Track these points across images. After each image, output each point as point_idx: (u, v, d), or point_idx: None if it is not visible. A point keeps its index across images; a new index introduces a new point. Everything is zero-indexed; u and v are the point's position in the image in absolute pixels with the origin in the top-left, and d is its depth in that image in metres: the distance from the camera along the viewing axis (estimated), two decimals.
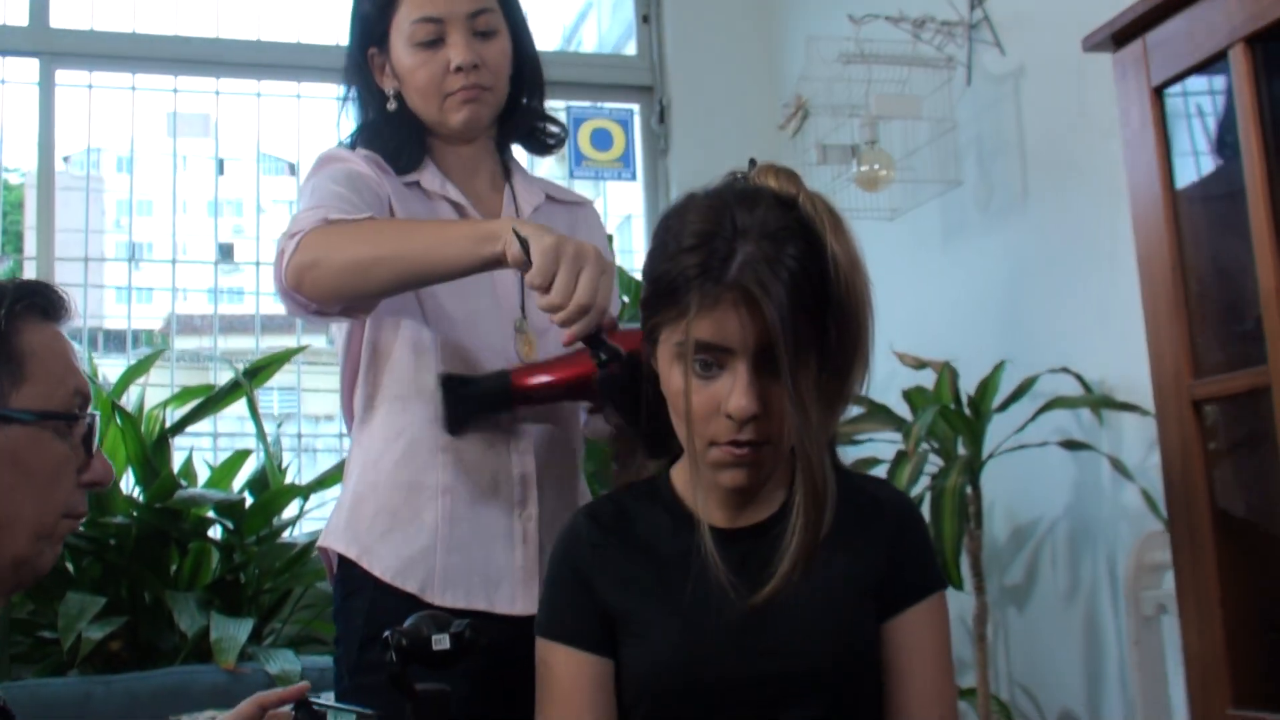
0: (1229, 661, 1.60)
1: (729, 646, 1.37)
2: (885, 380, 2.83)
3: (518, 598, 1.69)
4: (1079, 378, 2.52)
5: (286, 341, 3.89)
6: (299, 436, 3.92)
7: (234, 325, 4.28)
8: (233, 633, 3.00)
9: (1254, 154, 1.49)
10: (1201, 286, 1.67)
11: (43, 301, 1.31)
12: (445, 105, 1.76)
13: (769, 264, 1.28)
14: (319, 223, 1.56)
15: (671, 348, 1.35)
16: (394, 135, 1.79)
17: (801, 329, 1.29)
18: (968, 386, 2.66)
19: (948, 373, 2.57)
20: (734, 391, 1.29)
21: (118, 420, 3.34)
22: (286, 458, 3.62)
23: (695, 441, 1.34)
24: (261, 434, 3.47)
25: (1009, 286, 2.85)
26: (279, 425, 3.64)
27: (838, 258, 1.32)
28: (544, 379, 1.63)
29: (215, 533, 3.34)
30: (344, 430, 2.16)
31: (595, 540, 1.44)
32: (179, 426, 3.44)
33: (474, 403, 1.65)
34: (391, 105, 1.80)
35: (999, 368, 2.59)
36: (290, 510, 3.45)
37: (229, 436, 3.86)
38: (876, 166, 2.83)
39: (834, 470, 1.38)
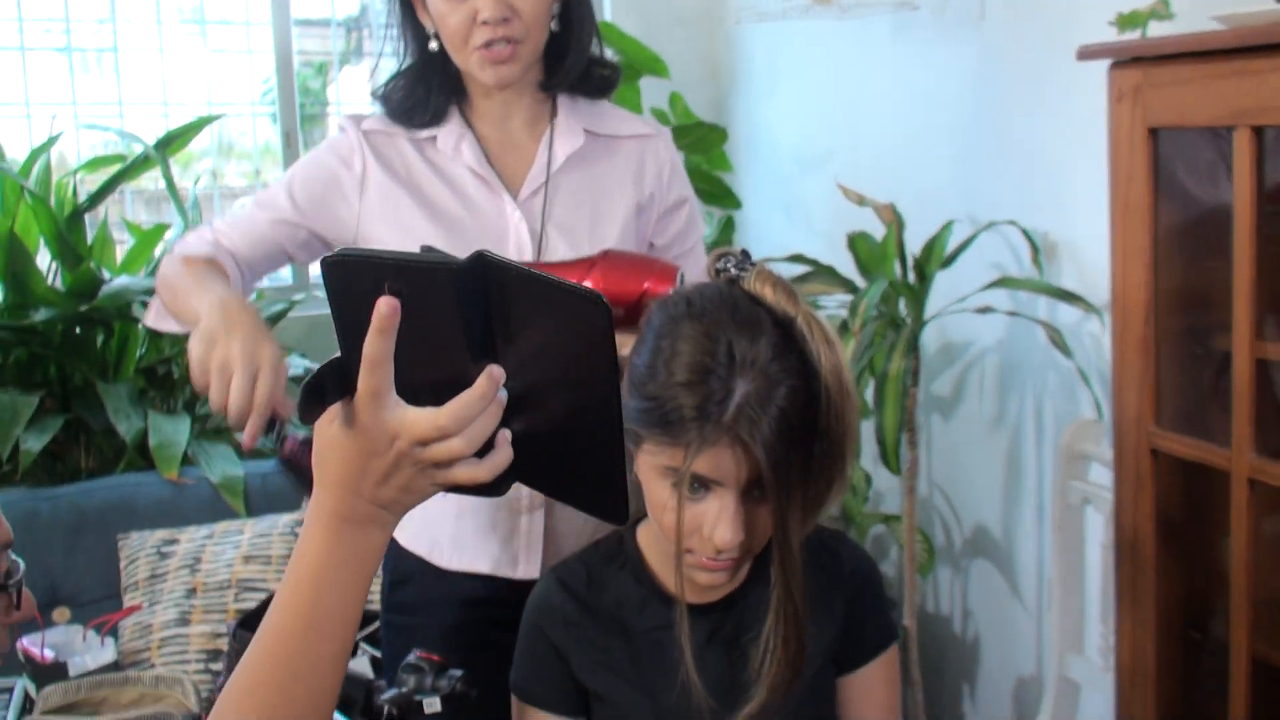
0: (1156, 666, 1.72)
1: (698, 716, 1.43)
2: (832, 216, 2.79)
3: (520, 562, 1.73)
4: (1026, 234, 2.49)
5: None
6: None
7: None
8: (172, 437, 3.02)
9: (1245, 241, 1.44)
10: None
11: None
12: (471, 60, 1.65)
13: (763, 405, 1.25)
14: (192, 244, 1.70)
15: (660, 466, 1.32)
16: (426, 84, 1.72)
17: (790, 461, 1.27)
18: (913, 224, 2.63)
19: (894, 228, 2.53)
20: (720, 522, 1.29)
21: (27, 199, 3.20)
22: None
23: (673, 542, 1.33)
24: (180, 206, 3.35)
25: (960, 109, 2.76)
26: (195, 197, 3.49)
27: (829, 388, 1.29)
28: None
29: (138, 311, 3.27)
30: None
31: (569, 616, 1.46)
32: (92, 202, 3.30)
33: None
34: (434, 45, 1.69)
35: (946, 228, 2.56)
36: None
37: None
38: None
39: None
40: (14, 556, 1.35)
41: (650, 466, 1.33)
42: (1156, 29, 1.87)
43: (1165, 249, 1.63)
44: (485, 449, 0.92)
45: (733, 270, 1.33)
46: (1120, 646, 1.76)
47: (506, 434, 0.93)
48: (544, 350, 0.90)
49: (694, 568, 1.34)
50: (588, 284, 1.49)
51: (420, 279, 0.86)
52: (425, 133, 1.73)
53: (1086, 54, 1.62)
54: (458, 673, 1.51)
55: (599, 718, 1.46)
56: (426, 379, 0.89)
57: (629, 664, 1.44)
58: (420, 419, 0.89)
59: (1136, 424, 1.65)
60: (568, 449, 0.94)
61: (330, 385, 0.91)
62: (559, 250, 1.70)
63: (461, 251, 1.60)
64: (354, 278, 0.87)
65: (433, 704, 1.49)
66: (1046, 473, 2.59)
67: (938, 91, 2.83)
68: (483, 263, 0.87)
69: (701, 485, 1.29)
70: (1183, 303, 1.66)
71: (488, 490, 0.94)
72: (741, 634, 1.41)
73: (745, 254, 1.35)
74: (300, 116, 3.70)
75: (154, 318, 1.74)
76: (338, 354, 0.91)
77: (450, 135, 1.72)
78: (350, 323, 0.87)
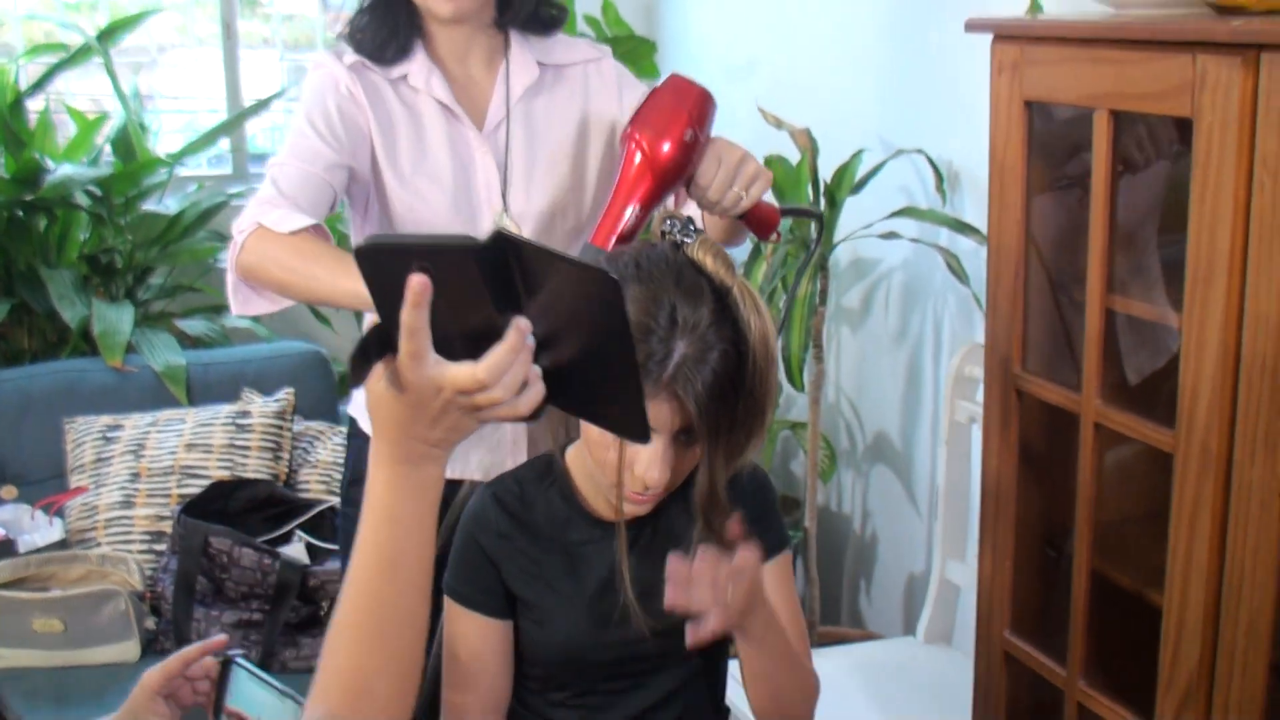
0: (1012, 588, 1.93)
1: (616, 631, 1.61)
2: (754, 130, 2.92)
3: (509, 466, 1.81)
4: (932, 163, 2.65)
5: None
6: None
7: None
8: (116, 324, 3.14)
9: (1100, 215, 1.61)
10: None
11: None
12: None
13: (698, 366, 1.40)
14: (254, 227, 1.64)
15: None
16: (387, 21, 1.79)
17: (719, 415, 1.44)
18: (828, 145, 2.77)
19: (809, 155, 2.67)
20: (652, 465, 1.44)
21: None
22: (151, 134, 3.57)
23: (605, 474, 1.50)
24: (121, 95, 3.41)
25: (879, 36, 2.89)
26: (136, 87, 3.55)
27: (756, 354, 1.45)
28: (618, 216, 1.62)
29: (81, 199, 3.35)
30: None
31: (501, 528, 1.60)
32: (34, 89, 3.36)
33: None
34: None
35: (856, 156, 2.70)
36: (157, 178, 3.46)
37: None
38: None
39: None
40: None
41: (589, 425, 1.49)
42: None
43: (1037, 209, 1.79)
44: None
45: (678, 236, 1.48)
46: (982, 560, 1.96)
47: (538, 371, 1.02)
48: (563, 307, 1.01)
49: (623, 499, 1.50)
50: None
51: (445, 258, 0.96)
52: (397, 70, 1.81)
53: (972, 26, 1.76)
54: None
55: (525, 621, 1.62)
56: (460, 332, 0.99)
57: (555, 573, 1.59)
58: (460, 373, 0.99)
59: (1004, 366, 1.83)
60: (591, 378, 1.05)
61: (374, 349, 1.02)
62: (520, 181, 1.82)
63: (439, 188, 1.71)
64: (385, 262, 0.98)
65: None
66: (942, 389, 2.78)
67: (859, 17, 2.95)
68: (501, 241, 0.97)
69: None
70: (1050, 258, 1.83)
71: (523, 419, 1.06)
72: (656, 546, 1.58)
73: (690, 220, 1.49)
74: None
75: (241, 304, 1.73)
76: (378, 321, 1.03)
77: (420, 70, 1.81)
78: (387, 297, 0.98)
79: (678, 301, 1.40)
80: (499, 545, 1.60)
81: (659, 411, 1.41)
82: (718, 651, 1.67)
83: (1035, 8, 1.88)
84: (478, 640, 1.60)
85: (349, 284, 1.56)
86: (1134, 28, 1.51)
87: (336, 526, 2.79)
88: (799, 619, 1.65)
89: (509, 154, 1.84)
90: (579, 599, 1.58)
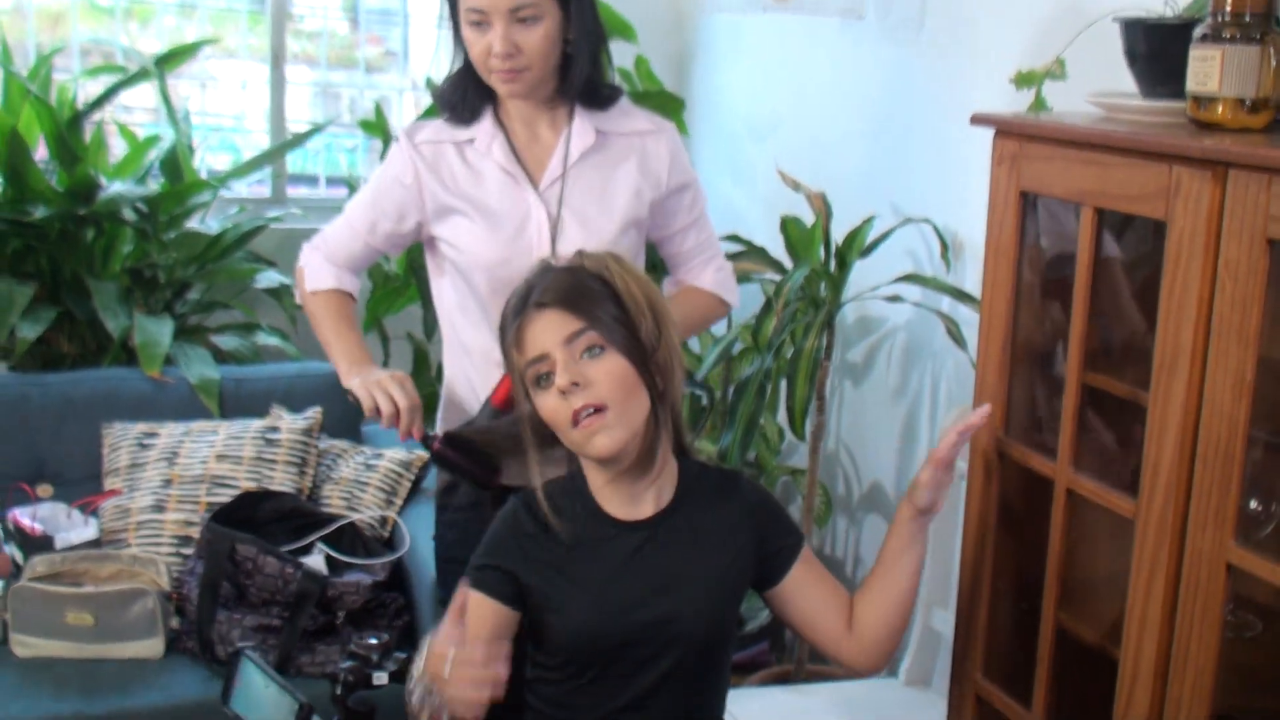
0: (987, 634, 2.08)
1: (621, 617, 1.78)
2: (771, 184, 3.08)
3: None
4: (938, 232, 2.81)
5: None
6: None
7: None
8: (156, 336, 3.30)
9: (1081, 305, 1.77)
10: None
11: None
12: (491, 78, 2.05)
13: (559, 281, 1.72)
14: (302, 267, 2.27)
15: (530, 379, 1.73)
16: (467, 86, 2.11)
17: (596, 309, 1.70)
18: (840, 207, 2.94)
19: (822, 217, 2.84)
20: (560, 378, 1.69)
21: (32, 100, 3.43)
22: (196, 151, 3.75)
23: (567, 435, 1.70)
24: (173, 117, 3.59)
25: (894, 108, 3.06)
26: (187, 110, 3.73)
27: (622, 276, 1.73)
28: (506, 387, 1.99)
29: (128, 215, 3.52)
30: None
31: (527, 529, 1.80)
32: (92, 108, 3.53)
33: (478, 442, 2.01)
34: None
35: (868, 222, 2.87)
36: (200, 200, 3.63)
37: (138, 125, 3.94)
38: None
39: (693, 466, 1.87)
40: None
41: (534, 398, 1.74)
42: (1051, 88, 2.18)
43: (1026, 289, 1.96)
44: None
45: None
46: (960, 612, 2.12)
47: None
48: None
49: (585, 440, 1.72)
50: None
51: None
52: (466, 133, 2.12)
53: (977, 121, 1.93)
54: (402, 655, 1.84)
55: (545, 613, 1.79)
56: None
57: (574, 567, 1.79)
58: None
59: (989, 431, 1.99)
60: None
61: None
62: (571, 230, 2.09)
63: (495, 236, 2.12)
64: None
65: (380, 678, 1.83)
66: (935, 443, 2.93)
67: (875, 89, 3.13)
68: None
69: (544, 371, 1.71)
70: (1035, 334, 1.99)
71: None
72: (664, 547, 1.80)
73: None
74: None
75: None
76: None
77: (485, 135, 2.12)
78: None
79: (536, 278, 1.77)
80: (524, 544, 1.79)
81: (540, 330, 1.70)
82: (717, 638, 1.85)
83: (1039, 105, 2.05)
84: (482, 621, 1.75)
85: (333, 354, 2.19)
86: (1119, 136, 1.67)
87: (355, 540, 2.95)
88: (839, 590, 1.94)
89: (561, 207, 2.10)
90: (594, 588, 1.77)
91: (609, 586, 1.78)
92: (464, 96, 2.11)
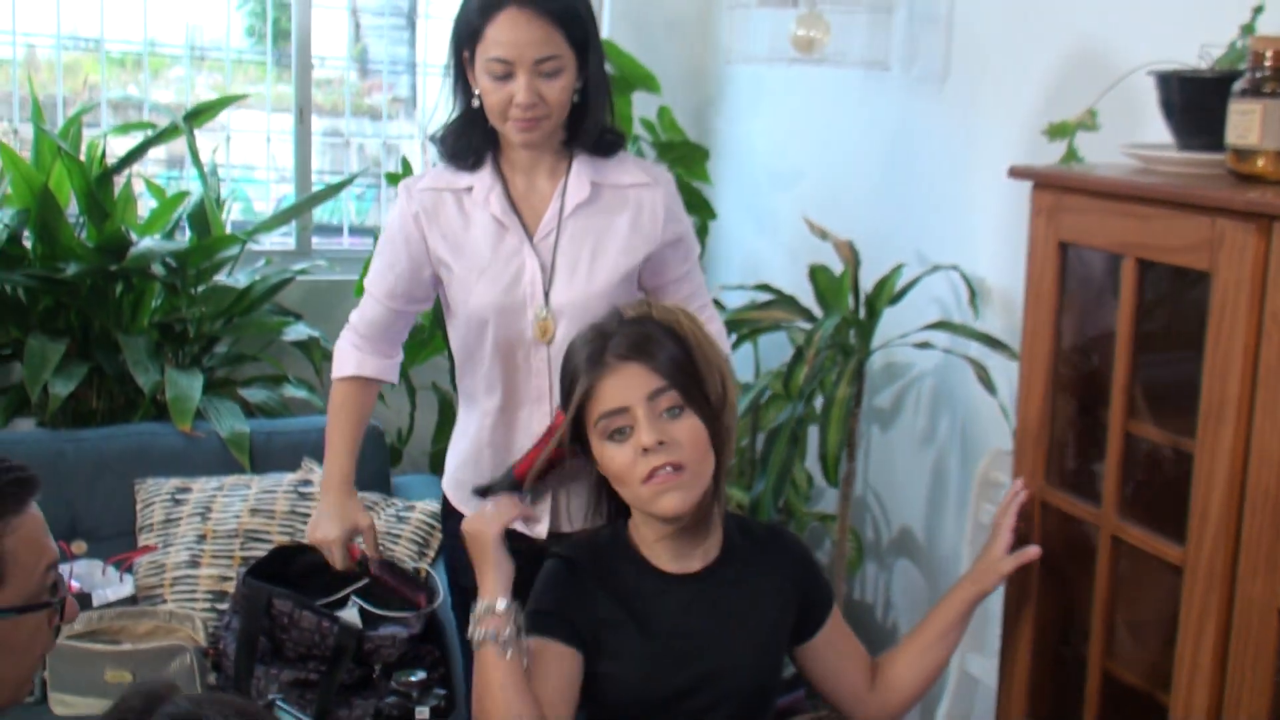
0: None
1: (679, 669, 1.80)
2: (796, 233, 3.11)
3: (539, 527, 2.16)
4: (965, 279, 2.84)
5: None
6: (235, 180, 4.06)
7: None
8: (187, 391, 3.33)
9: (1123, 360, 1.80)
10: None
11: (14, 490, 1.43)
12: (507, 126, 2.06)
13: (636, 336, 1.75)
14: (338, 349, 2.31)
15: (601, 432, 1.75)
16: (470, 134, 2.13)
17: (680, 368, 1.74)
18: (867, 254, 2.97)
19: (851, 266, 2.87)
20: (643, 433, 1.71)
21: (63, 157, 3.47)
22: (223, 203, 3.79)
23: (634, 490, 1.70)
24: (202, 173, 3.63)
25: (919, 157, 3.09)
26: (214, 164, 3.77)
27: (695, 335, 1.78)
28: (531, 461, 2.02)
29: (157, 270, 3.56)
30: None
31: (577, 588, 1.81)
32: (122, 165, 3.57)
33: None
34: (476, 103, 2.09)
35: (897, 270, 2.90)
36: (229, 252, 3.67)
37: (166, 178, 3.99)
38: (813, 33, 2.97)
39: (734, 520, 1.90)
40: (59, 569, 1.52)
41: (601, 449, 1.75)
42: (1084, 139, 2.20)
43: (1067, 339, 1.98)
44: None
45: None
46: (1004, 656, 2.13)
47: None
48: None
49: (654, 497, 1.72)
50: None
51: None
52: (464, 181, 2.13)
53: (1015, 173, 1.95)
54: (442, 692, 1.86)
55: (603, 663, 1.80)
56: None
57: (630, 619, 1.81)
58: None
59: (1031, 479, 2.01)
60: None
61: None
62: (563, 281, 2.10)
63: (490, 286, 2.13)
64: None
65: (422, 713, 1.85)
66: (966, 488, 2.95)
67: (899, 139, 3.16)
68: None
69: (620, 425, 1.72)
70: (1076, 383, 2.01)
71: None
72: (713, 600, 1.82)
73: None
74: (274, 32, 4.03)
75: None
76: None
77: (483, 186, 2.12)
78: None
79: (607, 325, 1.81)
80: (574, 598, 1.80)
81: (619, 383, 1.72)
82: (767, 688, 1.86)
83: (1071, 155, 2.08)
84: (544, 664, 1.75)
85: (326, 459, 2.30)
86: (1162, 189, 1.70)
87: (389, 593, 2.96)
88: (860, 646, 1.98)
89: (555, 257, 2.11)
90: (648, 642, 1.79)
91: (663, 641, 1.79)
92: (468, 143, 2.12)
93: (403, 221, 2.14)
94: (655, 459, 1.70)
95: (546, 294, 2.11)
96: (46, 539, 1.47)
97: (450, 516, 2.31)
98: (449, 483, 2.30)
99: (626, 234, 2.14)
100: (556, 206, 2.13)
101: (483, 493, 2.07)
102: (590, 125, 2.12)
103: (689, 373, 1.73)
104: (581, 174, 2.14)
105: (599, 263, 2.13)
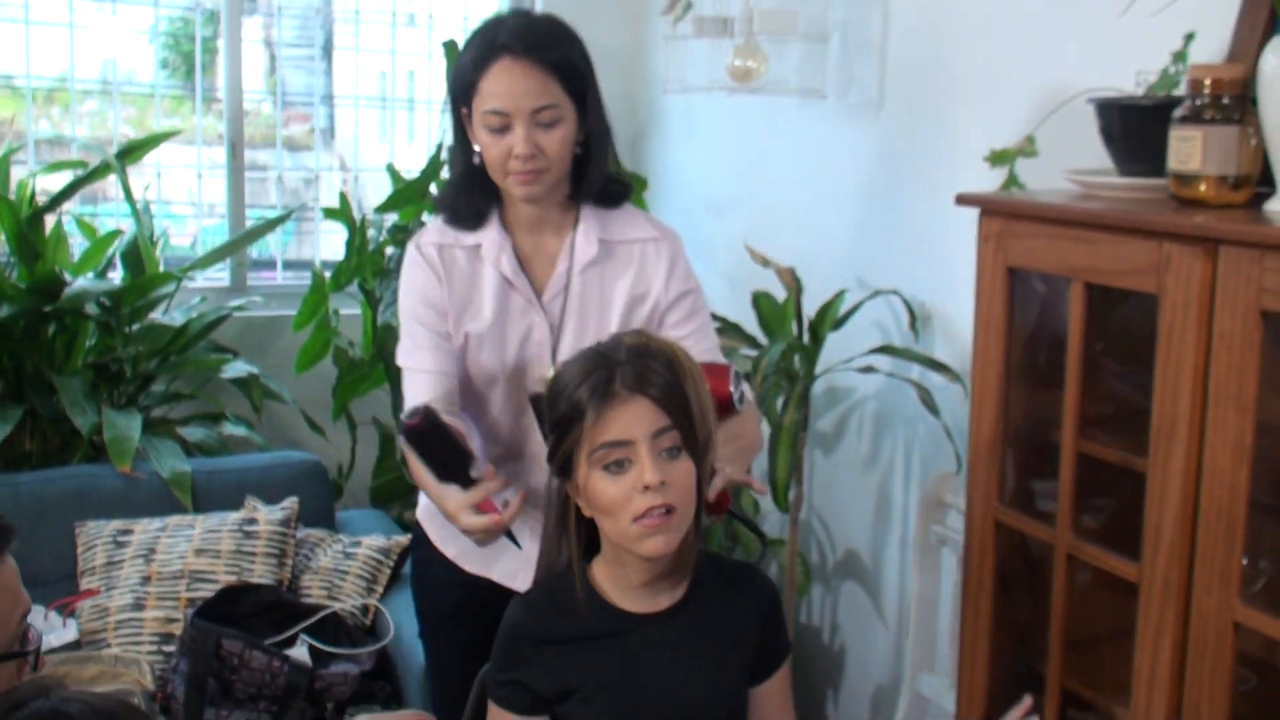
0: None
1: (650, 709, 1.79)
2: (735, 261, 3.13)
3: (518, 576, 2.15)
4: (906, 303, 2.88)
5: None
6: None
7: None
8: (125, 431, 3.28)
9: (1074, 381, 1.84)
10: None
11: None
12: (507, 181, 2.04)
13: (642, 371, 1.68)
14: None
15: (595, 462, 1.69)
16: (471, 191, 2.11)
17: (680, 405, 1.69)
18: (808, 281, 3.01)
19: (794, 293, 2.91)
20: (643, 470, 1.67)
21: None
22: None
23: (622, 525, 1.69)
24: (135, 211, 3.59)
25: (856, 184, 3.14)
26: (145, 201, 3.72)
27: (692, 376, 1.72)
28: None
29: (91, 309, 3.50)
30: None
31: (539, 636, 1.80)
32: (53, 204, 3.52)
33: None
34: (477, 160, 2.08)
35: (839, 296, 2.94)
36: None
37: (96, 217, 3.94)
38: (750, 63, 3.01)
39: (708, 557, 1.86)
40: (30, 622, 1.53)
41: (592, 479, 1.70)
42: (1024, 165, 2.26)
43: (1016, 364, 2.02)
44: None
45: None
46: (961, 674, 2.16)
47: None
48: None
49: (644, 534, 1.69)
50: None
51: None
52: (472, 239, 2.11)
53: (963, 201, 2.00)
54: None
55: (572, 704, 1.79)
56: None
57: (593, 661, 1.79)
58: None
59: (984, 500, 2.04)
60: None
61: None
62: (569, 340, 2.11)
63: (496, 346, 2.13)
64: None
65: None
66: (911, 510, 2.99)
67: (837, 166, 3.21)
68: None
69: (619, 458, 1.68)
70: (1027, 405, 2.06)
71: None
72: (680, 640, 1.80)
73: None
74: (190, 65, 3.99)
75: None
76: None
77: (492, 244, 2.10)
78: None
79: (609, 352, 1.72)
80: (535, 650, 1.79)
81: (625, 417, 1.67)
82: None
83: (1012, 181, 2.13)
84: None
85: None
86: (1109, 214, 1.75)
87: (338, 630, 2.95)
88: (790, 709, 1.93)
89: (564, 318, 2.12)
90: (615, 683, 1.78)
91: (629, 681, 1.78)
92: (468, 201, 2.11)
93: (423, 278, 2.10)
94: (654, 499, 1.66)
95: (554, 354, 2.11)
96: (20, 588, 1.47)
97: (421, 545, 2.29)
98: (424, 513, 2.27)
99: (631, 291, 2.15)
100: (564, 266, 2.12)
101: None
102: (594, 176, 2.11)
103: (689, 414, 1.69)
104: (589, 231, 2.13)
105: (605, 321, 2.13)
